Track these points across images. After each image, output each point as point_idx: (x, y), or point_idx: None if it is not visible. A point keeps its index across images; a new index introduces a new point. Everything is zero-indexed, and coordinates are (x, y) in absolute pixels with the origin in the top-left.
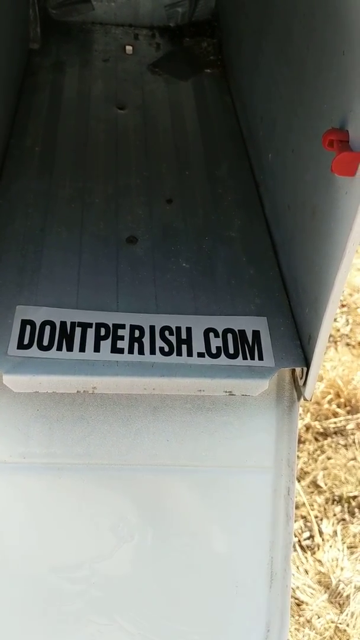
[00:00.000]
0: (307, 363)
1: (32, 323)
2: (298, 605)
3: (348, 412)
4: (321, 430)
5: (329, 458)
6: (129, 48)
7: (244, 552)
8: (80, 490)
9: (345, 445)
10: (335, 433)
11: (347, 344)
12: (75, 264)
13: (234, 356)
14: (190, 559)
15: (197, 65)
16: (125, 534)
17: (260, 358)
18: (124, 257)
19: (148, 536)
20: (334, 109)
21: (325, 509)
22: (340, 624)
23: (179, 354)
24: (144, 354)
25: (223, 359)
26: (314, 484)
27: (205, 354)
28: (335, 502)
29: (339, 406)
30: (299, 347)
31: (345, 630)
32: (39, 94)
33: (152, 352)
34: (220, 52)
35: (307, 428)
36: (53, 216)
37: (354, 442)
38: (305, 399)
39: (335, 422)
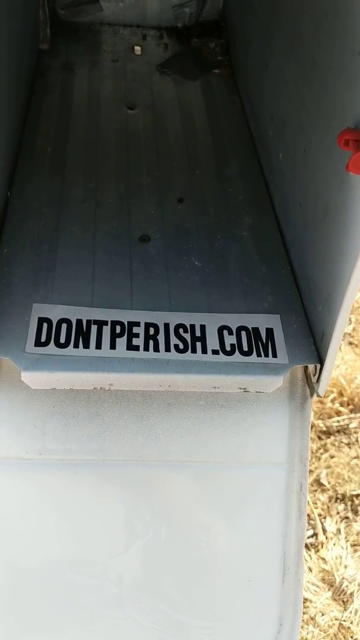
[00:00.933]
0: (320, 360)
1: (48, 321)
2: (302, 602)
3: (351, 411)
4: (324, 428)
5: (332, 456)
6: (137, 48)
7: (256, 547)
8: (95, 486)
9: (348, 444)
10: (339, 431)
11: (350, 343)
12: (90, 262)
13: (248, 353)
14: (204, 554)
15: (205, 65)
16: (139, 529)
17: (274, 355)
18: (137, 256)
19: (162, 531)
20: (348, 109)
21: (328, 507)
22: (344, 621)
23: (194, 351)
24: (159, 352)
25: (237, 356)
26: (317, 482)
27: (220, 351)
28: (338, 500)
29: (342, 405)
30: (312, 345)
31: (349, 628)
32: (50, 95)
33: (167, 349)
34: (228, 53)
35: (311, 427)
36: (66, 215)
37: (357, 440)
38: (318, 396)
39: (338, 421)
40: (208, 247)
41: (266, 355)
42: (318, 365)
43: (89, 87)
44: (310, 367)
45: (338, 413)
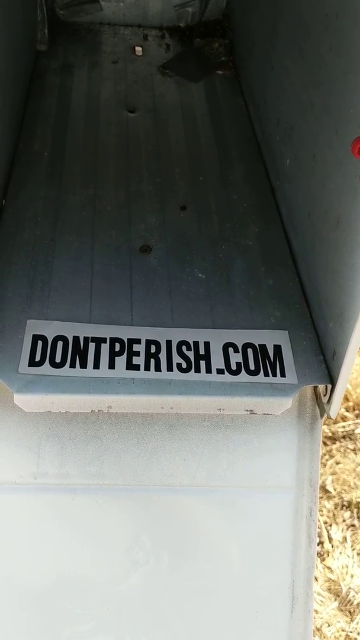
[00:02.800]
0: (331, 380)
1: (43, 338)
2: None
3: (357, 416)
4: (329, 434)
5: (337, 463)
6: (138, 49)
7: (264, 576)
8: (93, 512)
9: (354, 450)
10: (344, 437)
11: None
12: (87, 274)
13: (254, 373)
14: (208, 584)
15: (208, 66)
16: (140, 557)
17: (283, 374)
18: (138, 267)
19: (164, 560)
20: None
21: (334, 515)
22: (350, 632)
23: (197, 370)
24: (160, 371)
25: (244, 376)
26: (323, 488)
27: (225, 370)
28: (344, 508)
29: (347, 410)
30: (323, 363)
31: (356, 639)
32: (47, 97)
33: (170, 368)
34: (232, 53)
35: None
36: (63, 224)
37: None
38: (329, 417)
39: (343, 427)
40: (212, 258)
41: (274, 375)
42: (329, 386)
43: (88, 90)
44: (321, 386)
45: (344, 418)
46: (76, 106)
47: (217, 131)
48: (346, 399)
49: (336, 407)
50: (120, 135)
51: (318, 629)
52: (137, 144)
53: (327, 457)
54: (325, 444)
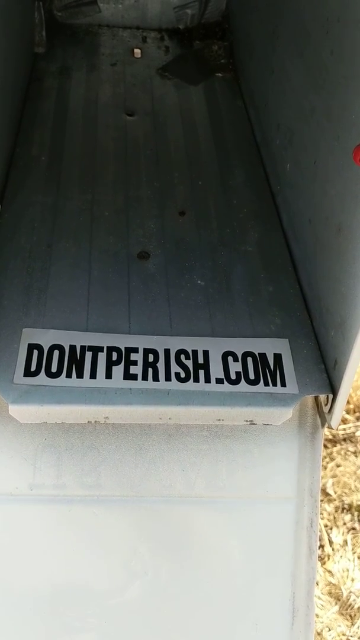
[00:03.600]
0: (332, 389)
1: (39, 347)
2: None
3: (357, 419)
4: (330, 437)
5: (338, 465)
6: (137, 51)
7: (264, 588)
8: (91, 523)
9: (354, 452)
10: (345, 440)
11: None
12: (85, 281)
13: (254, 382)
14: (207, 596)
15: (207, 69)
16: (138, 569)
17: (283, 384)
18: (136, 274)
19: (163, 572)
20: None
21: (335, 518)
22: (351, 636)
23: (196, 380)
24: (158, 381)
25: (243, 386)
26: (323, 491)
27: (224, 380)
28: (345, 511)
29: (347, 412)
30: (324, 372)
31: None
32: (45, 101)
33: (168, 378)
34: (231, 56)
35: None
36: (60, 230)
37: None
38: (330, 427)
39: (344, 429)
40: (211, 264)
41: (274, 385)
42: (330, 396)
43: (86, 93)
44: (322, 396)
45: (344, 421)
46: (74, 109)
47: (217, 135)
48: (347, 401)
49: (338, 417)
50: (118, 138)
51: (319, 633)
52: (135, 147)
53: (327, 459)
54: (325, 446)
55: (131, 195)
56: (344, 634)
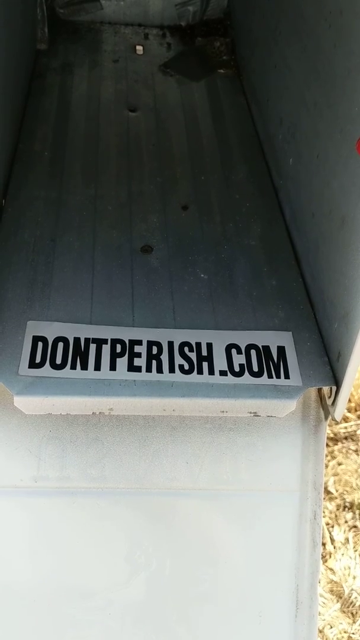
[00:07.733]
0: (336, 382)
1: (44, 340)
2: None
3: (359, 417)
4: (331, 435)
5: (339, 464)
6: (139, 48)
7: (267, 580)
8: (95, 515)
9: (356, 451)
10: (346, 438)
11: None
12: (88, 275)
13: (258, 374)
14: (211, 587)
15: (209, 65)
16: (142, 561)
17: (287, 376)
18: (139, 268)
19: (166, 564)
20: None
21: (336, 516)
22: (353, 634)
23: (200, 372)
24: (162, 373)
25: (247, 378)
26: (325, 490)
27: (228, 372)
28: (346, 509)
29: (349, 410)
30: (327, 365)
31: None
32: (47, 97)
33: (171, 370)
34: (233, 52)
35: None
36: (64, 224)
37: None
38: (333, 420)
39: (345, 427)
40: (214, 258)
41: (278, 377)
42: (334, 388)
43: (88, 89)
44: (325, 388)
45: (346, 419)
46: (77, 105)
47: (219, 130)
48: (348, 399)
49: (341, 410)
50: (121, 134)
51: (320, 631)
52: (138, 143)
53: (329, 458)
54: (327, 445)
55: (134, 189)
56: (345, 632)
